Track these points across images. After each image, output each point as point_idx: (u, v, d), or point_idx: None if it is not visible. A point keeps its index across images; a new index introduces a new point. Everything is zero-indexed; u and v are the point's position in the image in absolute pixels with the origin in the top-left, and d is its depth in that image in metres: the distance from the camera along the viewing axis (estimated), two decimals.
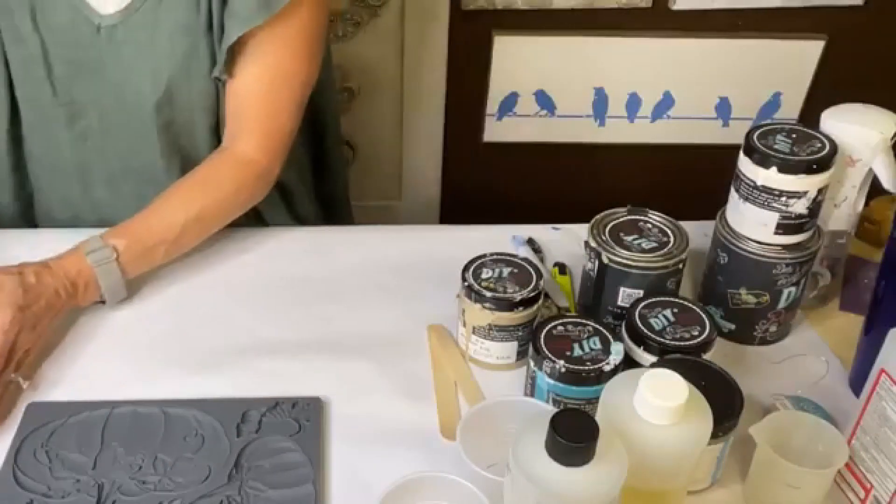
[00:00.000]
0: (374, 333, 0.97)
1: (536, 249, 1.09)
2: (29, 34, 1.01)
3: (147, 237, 0.97)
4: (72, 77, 1.04)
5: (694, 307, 0.88)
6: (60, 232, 1.04)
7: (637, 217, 0.95)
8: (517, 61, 1.79)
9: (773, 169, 0.88)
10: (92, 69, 1.03)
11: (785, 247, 0.92)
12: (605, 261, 0.91)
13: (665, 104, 1.86)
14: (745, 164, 0.91)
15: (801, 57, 1.80)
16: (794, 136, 0.91)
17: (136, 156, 1.09)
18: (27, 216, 1.17)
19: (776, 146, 0.90)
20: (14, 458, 0.80)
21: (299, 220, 1.21)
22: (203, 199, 1.01)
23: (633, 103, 1.86)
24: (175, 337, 0.95)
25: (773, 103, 1.86)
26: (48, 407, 0.85)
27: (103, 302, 0.96)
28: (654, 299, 0.89)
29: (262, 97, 1.04)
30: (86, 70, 1.03)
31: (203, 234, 1.03)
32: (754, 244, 0.93)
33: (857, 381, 0.88)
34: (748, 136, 0.92)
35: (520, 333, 0.91)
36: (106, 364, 0.91)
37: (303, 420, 0.85)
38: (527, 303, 0.90)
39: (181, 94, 1.04)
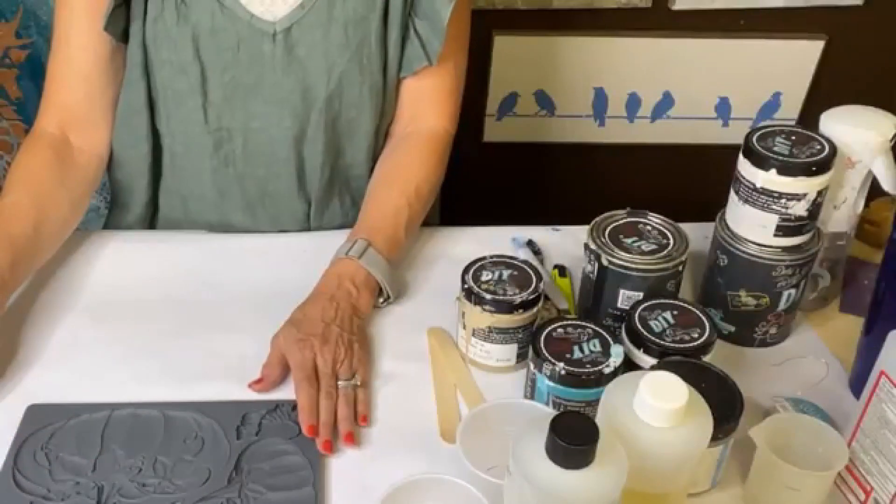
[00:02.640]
0: (373, 336, 0.97)
1: (536, 251, 1.09)
2: (189, 64, 1.01)
3: (383, 224, 1.01)
4: (226, 101, 1.04)
5: (694, 309, 0.88)
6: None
7: (637, 219, 0.95)
8: (517, 61, 1.78)
9: (773, 171, 0.88)
10: (249, 90, 1.03)
11: (785, 249, 0.92)
12: (605, 263, 0.91)
13: (665, 104, 1.85)
14: (744, 167, 0.91)
15: (801, 57, 1.80)
16: (793, 137, 0.91)
17: (276, 181, 1.09)
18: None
19: (775, 148, 0.90)
20: (14, 461, 0.80)
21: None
22: (416, 176, 1.06)
23: (633, 103, 1.85)
24: (175, 339, 0.95)
25: (773, 103, 1.86)
26: (48, 409, 0.85)
27: (387, 299, 0.99)
28: (653, 301, 0.89)
29: (450, 71, 1.10)
30: (241, 91, 1.03)
31: (427, 207, 1.08)
32: (754, 246, 0.93)
33: (857, 383, 0.88)
34: (747, 138, 0.91)
35: (520, 336, 0.91)
36: (106, 366, 0.91)
37: None
38: (527, 305, 0.90)
39: (352, 90, 1.05)
